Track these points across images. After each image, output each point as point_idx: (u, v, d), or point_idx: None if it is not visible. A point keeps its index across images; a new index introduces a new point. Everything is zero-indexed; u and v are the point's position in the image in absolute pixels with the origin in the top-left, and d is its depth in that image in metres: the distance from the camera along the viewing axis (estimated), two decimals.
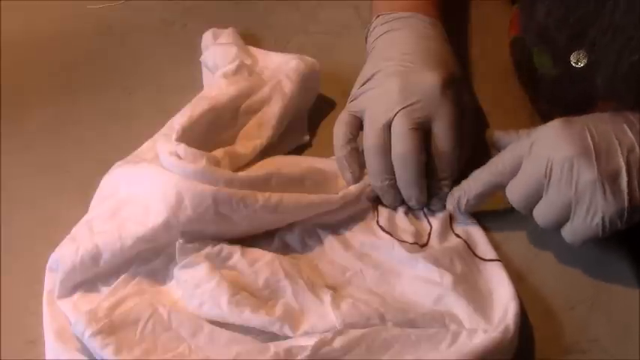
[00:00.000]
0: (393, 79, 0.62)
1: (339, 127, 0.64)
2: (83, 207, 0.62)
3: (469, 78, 0.74)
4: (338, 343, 0.51)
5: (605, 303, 0.57)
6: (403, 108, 0.61)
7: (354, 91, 0.65)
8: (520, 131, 0.62)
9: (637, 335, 0.55)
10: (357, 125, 0.64)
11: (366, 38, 0.70)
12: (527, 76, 0.72)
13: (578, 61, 0.63)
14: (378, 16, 0.69)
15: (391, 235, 0.61)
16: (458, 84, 0.63)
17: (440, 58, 0.64)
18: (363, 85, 0.64)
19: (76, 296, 0.56)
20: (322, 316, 0.54)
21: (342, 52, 0.78)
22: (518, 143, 0.59)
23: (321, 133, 0.70)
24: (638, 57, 0.57)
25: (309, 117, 0.71)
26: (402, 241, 0.60)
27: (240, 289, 0.55)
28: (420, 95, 0.61)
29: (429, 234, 0.61)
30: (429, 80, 0.61)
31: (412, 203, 0.62)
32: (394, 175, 0.61)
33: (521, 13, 0.72)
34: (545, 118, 0.70)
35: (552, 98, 0.69)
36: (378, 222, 0.62)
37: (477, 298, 0.56)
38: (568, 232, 0.57)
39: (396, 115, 0.61)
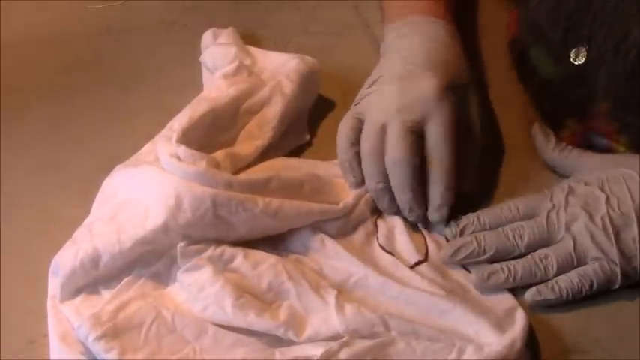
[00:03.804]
0: (391, 83, 0.62)
1: (342, 131, 0.63)
2: (83, 207, 0.62)
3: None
4: (344, 354, 0.51)
5: (606, 303, 0.57)
6: (398, 111, 0.60)
7: (360, 92, 0.65)
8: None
9: (638, 335, 0.55)
10: (360, 128, 0.63)
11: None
12: (527, 76, 0.72)
13: (577, 57, 0.62)
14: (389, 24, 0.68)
15: (393, 255, 0.60)
16: (460, 89, 0.63)
17: (442, 61, 0.63)
18: (367, 88, 0.64)
19: (79, 300, 0.56)
20: (326, 320, 0.54)
21: (342, 52, 0.78)
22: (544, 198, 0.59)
23: (321, 133, 0.70)
24: (635, 54, 0.57)
25: (310, 117, 0.71)
26: (408, 266, 0.59)
27: (244, 292, 0.55)
28: (416, 98, 0.60)
29: (426, 251, 0.60)
30: (425, 83, 0.61)
31: (408, 214, 0.61)
32: (388, 178, 0.61)
33: (517, 8, 0.72)
34: (547, 118, 0.70)
35: (552, 98, 0.69)
36: (378, 240, 0.61)
37: (481, 308, 0.55)
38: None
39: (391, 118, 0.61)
